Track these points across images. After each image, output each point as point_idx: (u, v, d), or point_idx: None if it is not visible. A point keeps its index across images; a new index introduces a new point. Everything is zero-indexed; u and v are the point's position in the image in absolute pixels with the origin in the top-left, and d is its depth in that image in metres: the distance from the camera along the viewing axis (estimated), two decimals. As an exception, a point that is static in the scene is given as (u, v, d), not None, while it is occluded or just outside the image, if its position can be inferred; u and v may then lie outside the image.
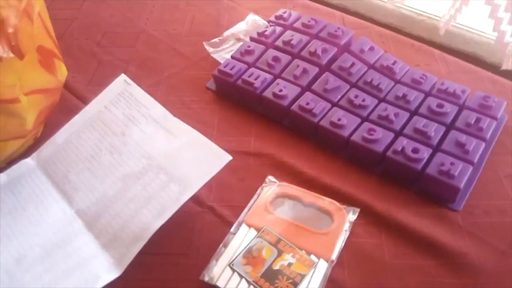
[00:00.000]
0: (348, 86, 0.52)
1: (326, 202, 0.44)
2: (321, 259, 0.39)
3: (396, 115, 0.48)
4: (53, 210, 0.43)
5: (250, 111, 0.54)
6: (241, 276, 0.38)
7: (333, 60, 0.55)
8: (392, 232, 0.41)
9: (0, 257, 0.40)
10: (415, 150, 0.44)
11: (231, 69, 0.54)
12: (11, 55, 0.42)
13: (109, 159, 0.46)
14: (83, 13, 0.70)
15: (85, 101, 0.53)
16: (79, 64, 0.61)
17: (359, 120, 0.48)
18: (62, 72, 0.51)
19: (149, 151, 0.45)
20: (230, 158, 0.41)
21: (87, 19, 0.69)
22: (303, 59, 0.55)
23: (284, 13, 0.62)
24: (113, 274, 0.38)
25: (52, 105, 0.51)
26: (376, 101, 0.50)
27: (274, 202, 0.45)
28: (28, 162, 0.48)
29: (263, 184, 0.46)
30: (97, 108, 0.50)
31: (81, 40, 0.65)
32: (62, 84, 0.52)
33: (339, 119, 0.48)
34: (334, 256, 0.40)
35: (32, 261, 0.39)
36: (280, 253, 0.40)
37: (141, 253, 0.39)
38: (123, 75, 0.51)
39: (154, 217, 0.40)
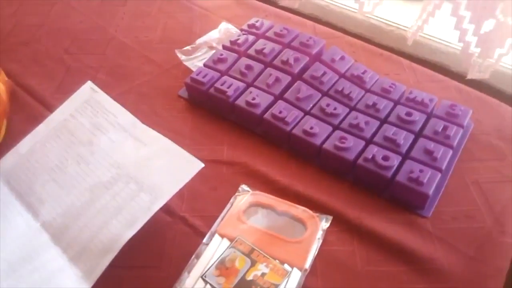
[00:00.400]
0: (320, 95, 0.52)
1: (299, 211, 0.44)
2: (295, 268, 0.39)
3: (366, 123, 0.48)
4: (17, 223, 0.42)
5: (223, 120, 0.53)
6: (214, 288, 0.38)
7: (305, 69, 0.55)
8: (364, 239, 0.41)
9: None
10: (385, 158, 0.45)
11: (203, 77, 0.54)
12: None
13: (76, 169, 0.44)
14: (51, 19, 0.68)
15: (51, 109, 0.52)
16: (46, 71, 0.59)
17: (330, 128, 0.49)
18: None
19: (118, 160, 0.44)
20: (202, 165, 0.41)
21: (55, 24, 0.67)
22: (276, 67, 0.55)
23: (257, 22, 0.62)
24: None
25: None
26: (347, 110, 0.51)
27: (247, 211, 0.44)
28: (-11, 173, 0.46)
29: (236, 193, 0.46)
30: (62, 117, 0.49)
31: (49, 47, 0.63)
32: None
33: (311, 128, 0.48)
34: (308, 264, 0.39)
35: (-5, 277, 0.37)
36: (253, 263, 0.39)
37: (111, 266, 0.38)
38: (89, 82, 0.50)
39: (124, 228, 0.39)
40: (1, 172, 0.46)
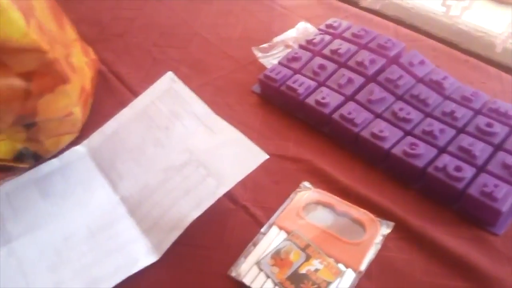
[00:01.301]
0: (393, 98, 0.51)
1: (360, 213, 0.44)
2: (349, 269, 0.39)
3: (441, 131, 0.46)
4: (99, 195, 0.46)
5: (292, 117, 0.54)
6: (268, 276, 0.39)
7: (380, 71, 0.54)
8: (425, 249, 0.40)
9: (50, 234, 0.43)
10: (457, 169, 0.43)
11: (276, 75, 0.55)
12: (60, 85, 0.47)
13: (153, 151, 0.48)
14: (144, 14, 0.74)
15: (137, 95, 0.56)
16: (135, 61, 0.65)
17: (401, 133, 0.48)
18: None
19: (190, 146, 0.47)
20: (267, 156, 0.42)
21: (146, 19, 0.73)
22: (349, 68, 0.55)
23: (335, 22, 0.62)
24: (151, 259, 0.40)
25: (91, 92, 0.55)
26: (421, 116, 0.49)
27: (306, 207, 0.45)
28: (79, 149, 0.52)
29: (297, 189, 0.46)
30: (144, 103, 0.53)
31: (139, 39, 0.69)
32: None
33: (380, 131, 0.47)
34: (363, 267, 0.39)
35: (78, 240, 0.42)
36: (308, 258, 0.40)
37: (175, 242, 0.41)
38: (170, 72, 0.54)
39: (191, 208, 0.42)
40: (89, 148, 0.51)
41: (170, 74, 0.54)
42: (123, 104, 0.55)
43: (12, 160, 0.47)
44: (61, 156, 0.50)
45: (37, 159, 0.49)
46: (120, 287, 0.39)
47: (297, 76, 0.55)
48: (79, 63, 0.53)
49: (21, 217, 0.45)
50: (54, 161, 0.50)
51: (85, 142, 0.52)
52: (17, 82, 0.43)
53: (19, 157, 0.48)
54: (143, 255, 0.41)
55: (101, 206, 0.45)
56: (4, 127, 0.44)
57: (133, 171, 0.48)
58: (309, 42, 0.59)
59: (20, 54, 0.42)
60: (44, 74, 0.45)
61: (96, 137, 0.52)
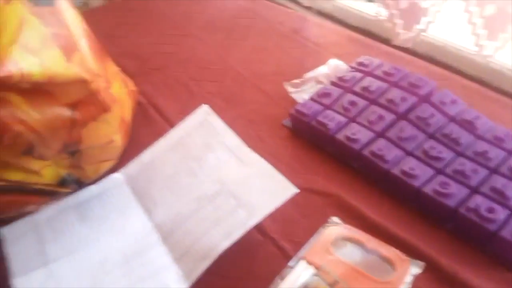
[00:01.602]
0: (424, 137, 0.51)
1: (390, 251, 0.43)
2: (377, 308, 0.39)
3: (473, 171, 0.46)
4: (134, 221, 0.48)
5: (322, 151, 0.55)
6: (294, 311, 0.39)
7: (411, 109, 0.55)
8: (457, 291, 0.39)
9: (86, 258, 0.45)
10: (490, 210, 0.42)
11: (307, 109, 0.57)
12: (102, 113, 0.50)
13: (186, 181, 0.50)
14: (182, 49, 0.78)
15: (173, 126, 0.59)
16: (173, 93, 0.68)
17: (432, 172, 0.48)
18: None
19: (222, 177, 0.49)
20: (297, 190, 0.43)
21: (185, 54, 0.77)
22: (380, 105, 0.56)
23: (366, 60, 0.63)
24: (181, 287, 0.41)
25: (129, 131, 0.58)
26: (453, 155, 0.49)
27: (335, 243, 0.45)
28: (117, 176, 0.54)
29: (326, 224, 0.47)
30: (180, 134, 0.55)
31: (178, 73, 0.72)
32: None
33: (411, 168, 0.48)
34: (391, 306, 0.39)
35: (113, 265, 0.44)
36: (335, 295, 0.40)
37: (204, 271, 0.42)
38: (205, 105, 0.56)
39: (221, 238, 0.43)
40: (126, 176, 0.54)
41: (205, 107, 0.56)
42: (160, 134, 0.57)
43: (56, 185, 0.50)
44: (99, 183, 0.53)
45: (79, 184, 0.52)
46: (150, 314, 0.40)
47: (328, 111, 0.56)
48: (119, 94, 0.57)
49: (60, 240, 0.47)
50: (93, 188, 0.53)
51: (123, 170, 0.54)
52: (65, 112, 0.46)
53: (62, 182, 0.51)
54: (174, 283, 0.42)
55: (136, 232, 0.47)
56: (52, 154, 0.48)
57: (167, 199, 0.49)
58: (340, 79, 0.61)
59: (65, 86, 0.46)
60: (88, 103, 0.48)
61: (134, 166, 0.54)
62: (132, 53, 0.78)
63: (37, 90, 0.44)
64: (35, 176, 0.48)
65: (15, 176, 0.47)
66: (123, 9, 0.94)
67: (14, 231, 0.48)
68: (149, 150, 0.55)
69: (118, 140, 0.54)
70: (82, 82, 0.47)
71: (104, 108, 0.50)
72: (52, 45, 0.45)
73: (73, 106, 0.47)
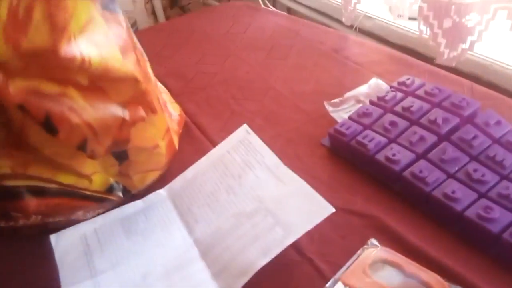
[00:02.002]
0: (467, 159, 0.50)
1: (430, 276, 0.42)
2: (416, 334, 0.38)
3: (519, 195, 0.45)
4: (176, 236, 0.50)
5: (361, 172, 0.55)
6: (330, 332, 0.39)
7: (454, 130, 0.54)
8: (500, 322, 0.38)
9: (130, 271, 0.47)
10: (538, 237, 0.40)
11: (347, 129, 0.57)
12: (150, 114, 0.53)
13: (226, 198, 0.52)
14: (225, 69, 0.81)
15: (215, 145, 0.61)
16: (215, 112, 0.70)
17: (476, 195, 0.46)
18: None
19: (260, 195, 0.50)
20: (333, 210, 0.44)
21: (227, 74, 0.80)
22: (422, 126, 0.55)
23: (408, 79, 0.63)
24: (219, 302, 0.43)
25: (173, 142, 0.60)
26: (497, 178, 0.47)
27: (373, 266, 0.45)
28: (161, 192, 0.56)
29: (365, 246, 0.46)
30: (220, 152, 0.57)
31: (220, 92, 0.75)
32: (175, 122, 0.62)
33: (453, 192, 0.47)
34: (430, 334, 0.38)
35: (155, 278, 0.46)
36: (372, 318, 0.40)
37: (241, 288, 0.43)
38: (245, 125, 0.58)
39: (259, 256, 0.44)
40: (169, 192, 0.56)
41: (245, 126, 0.58)
42: (202, 152, 0.59)
43: (104, 192, 0.53)
44: (145, 198, 0.56)
45: (125, 193, 0.55)
46: (189, 327, 0.41)
47: (368, 131, 0.56)
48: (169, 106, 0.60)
49: (106, 252, 0.50)
50: (139, 203, 0.55)
51: (167, 186, 0.57)
52: (117, 110, 0.49)
53: (110, 190, 0.54)
54: (212, 299, 0.43)
55: (177, 247, 0.49)
56: (102, 151, 0.50)
57: (207, 216, 0.51)
58: (380, 98, 0.61)
59: (119, 82, 0.49)
60: (137, 103, 0.51)
61: (177, 182, 0.57)
62: (177, 73, 0.82)
63: (93, 87, 0.47)
64: (85, 181, 0.51)
65: (67, 180, 0.50)
66: (169, 30, 0.99)
67: (62, 239, 0.51)
68: (192, 167, 0.57)
69: (163, 147, 0.56)
70: (134, 81, 0.50)
71: (151, 109, 0.53)
72: (112, 44, 0.48)
73: (124, 104, 0.50)
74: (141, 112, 0.52)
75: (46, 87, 0.44)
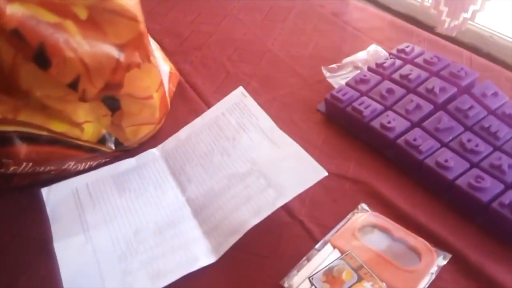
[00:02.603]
0: (462, 129, 0.50)
1: (417, 241, 0.43)
2: (400, 295, 0.39)
3: (510, 166, 0.45)
4: (168, 195, 0.50)
5: (355, 138, 0.55)
6: (318, 291, 0.40)
7: (450, 100, 0.54)
8: (483, 286, 0.39)
9: (122, 227, 0.48)
10: (526, 207, 0.41)
11: (343, 95, 0.57)
12: (146, 62, 0.51)
13: (219, 159, 0.52)
14: (221, 29, 0.79)
15: (209, 105, 0.61)
16: (210, 73, 0.69)
17: (468, 165, 0.47)
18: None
19: (254, 157, 0.50)
20: (326, 173, 0.44)
21: (223, 34, 0.78)
22: (418, 94, 0.55)
23: (407, 47, 0.62)
24: (210, 259, 0.43)
25: (166, 97, 0.59)
26: (490, 149, 0.48)
27: (363, 229, 0.46)
28: (154, 152, 0.56)
29: (355, 210, 0.47)
30: (215, 114, 0.57)
31: (215, 53, 0.73)
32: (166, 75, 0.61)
33: (446, 160, 0.47)
34: (415, 295, 0.39)
35: (147, 235, 0.46)
36: (359, 279, 0.41)
37: (232, 247, 0.43)
38: (241, 87, 0.57)
39: (250, 216, 0.44)
40: (163, 152, 0.56)
41: (240, 89, 0.57)
42: (196, 112, 0.59)
43: (96, 142, 0.53)
44: (138, 157, 0.55)
45: (118, 145, 0.54)
46: (179, 283, 0.42)
47: (364, 98, 0.56)
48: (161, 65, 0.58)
49: (98, 208, 0.50)
50: (132, 160, 0.55)
51: (160, 146, 0.56)
52: (113, 51, 0.48)
53: (102, 141, 0.53)
54: (203, 255, 0.44)
55: (169, 205, 0.49)
56: (93, 92, 0.49)
57: (200, 176, 0.51)
58: (379, 65, 0.60)
59: (117, 19, 0.47)
60: (134, 47, 0.50)
61: (171, 142, 0.56)
62: (171, 31, 0.80)
63: (91, 22, 0.46)
64: (77, 130, 0.50)
65: (59, 128, 0.49)
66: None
67: (54, 193, 0.51)
68: (186, 128, 0.57)
69: (156, 99, 0.55)
70: (134, 20, 0.48)
71: (147, 57, 0.52)
72: None
73: (121, 47, 0.48)
74: (137, 57, 0.50)
75: (44, 16, 0.43)
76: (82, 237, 0.47)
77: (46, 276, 0.43)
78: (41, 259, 0.45)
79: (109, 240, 0.47)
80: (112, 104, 0.51)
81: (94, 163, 0.54)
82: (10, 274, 0.45)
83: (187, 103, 0.64)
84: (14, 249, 0.47)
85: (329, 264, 0.42)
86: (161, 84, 0.56)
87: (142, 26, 0.50)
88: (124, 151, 0.56)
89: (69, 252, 0.45)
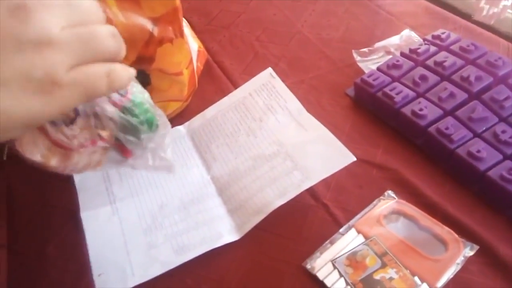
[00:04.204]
0: (496, 119, 0.49)
1: (444, 231, 0.43)
2: (425, 283, 0.39)
3: (547, 160, 0.43)
4: (194, 172, 0.51)
5: (384, 124, 0.54)
6: (341, 275, 0.40)
7: (486, 89, 0.52)
8: (510, 280, 0.38)
9: (148, 201, 0.48)
10: (561, 202, 0.40)
11: (374, 80, 0.55)
12: (178, 37, 0.51)
13: (245, 139, 0.51)
14: (250, 9, 0.78)
15: (236, 85, 0.60)
16: (238, 53, 0.69)
17: (501, 156, 0.45)
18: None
19: (280, 139, 0.49)
20: (354, 159, 0.43)
21: (252, 14, 0.77)
22: (453, 82, 0.53)
23: (443, 33, 0.60)
24: (233, 237, 0.44)
25: (195, 75, 0.59)
26: (526, 141, 0.46)
27: (388, 216, 0.45)
28: (180, 129, 0.56)
29: (381, 197, 0.47)
30: (242, 94, 0.56)
31: (244, 33, 0.73)
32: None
33: (478, 151, 0.46)
34: (440, 284, 0.38)
35: (172, 210, 0.47)
36: (383, 266, 0.40)
37: (256, 227, 0.44)
38: (269, 68, 0.56)
39: (275, 197, 0.44)
40: (189, 129, 0.56)
41: (269, 70, 0.57)
42: (223, 92, 0.59)
43: None
44: (164, 133, 0.55)
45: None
46: (202, 258, 0.43)
47: (396, 84, 0.55)
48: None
49: (125, 182, 0.50)
50: (158, 136, 0.55)
51: (187, 123, 0.57)
52: (147, 24, 0.48)
53: None
54: (226, 233, 0.44)
55: (194, 182, 0.50)
56: (126, 64, 0.49)
57: (225, 155, 0.51)
58: (412, 51, 0.58)
59: None
60: (168, 22, 0.50)
61: (197, 120, 0.56)
62: (200, 9, 0.79)
63: None
64: None
65: None
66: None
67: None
68: (213, 107, 0.57)
69: (186, 76, 0.55)
70: None
71: (180, 33, 0.52)
72: None
73: (155, 21, 0.48)
74: (170, 32, 0.50)
75: None
76: (108, 208, 0.48)
77: (73, 245, 0.45)
78: (69, 228, 0.47)
79: (135, 213, 0.47)
80: (143, 78, 0.51)
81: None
82: (39, 242, 0.46)
83: (214, 83, 0.64)
84: (43, 218, 0.49)
85: (353, 249, 0.42)
86: (191, 61, 0.56)
87: (178, 1, 0.50)
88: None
89: (96, 222, 0.46)
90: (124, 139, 0.37)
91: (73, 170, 0.36)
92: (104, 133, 0.35)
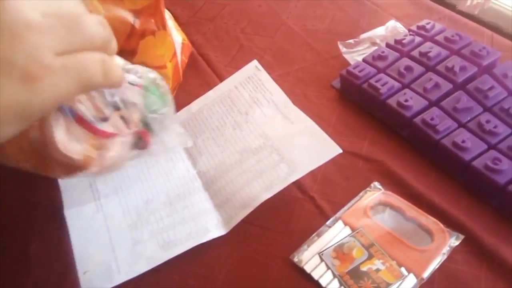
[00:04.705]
0: (481, 109, 0.49)
1: (429, 221, 0.43)
2: (411, 274, 0.39)
3: (530, 149, 0.44)
4: (180, 167, 0.50)
5: (370, 116, 0.54)
6: (328, 267, 0.40)
7: (470, 79, 0.52)
8: (495, 268, 0.39)
9: (133, 197, 0.48)
10: (544, 191, 0.40)
11: (359, 71, 0.55)
12: (161, 30, 0.50)
13: (231, 133, 0.51)
14: (235, 1, 0.77)
15: (221, 79, 0.60)
16: (223, 45, 0.68)
17: (485, 146, 0.46)
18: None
19: (267, 132, 0.49)
20: (340, 150, 0.43)
21: (237, 6, 0.76)
22: (438, 73, 0.53)
23: (428, 24, 0.60)
24: (220, 231, 0.43)
25: (179, 68, 0.58)
26: (509, 131, 0.46)
27: (375, 208, 0.45)
28: (166, 122, 0.56)
29: (368, 188, 0.47)
30: (228, 87, 0.56)
31: (229, 25, 0.72)
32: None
33: (463, 141, 0.46)
34: (426, 274, 0.39)
35: (157, 205, 0.46)
36: (370, 257, 0.40)
37: (243, 221, 0.43)
38: (255, 61, 0.56)
39: (262, 190, 0.44)
40: (174, 123, 0.55)
41: (255, 62, 0.56)
42: (208, 85, 0.58)
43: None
44: (149, 127, 0.55)
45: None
46: (189, 254, 0.42)
47: (381, 75, 0.55)
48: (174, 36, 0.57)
49: (109, 178, 0.50)
50: (142, 131, 0.54)
51: (171, 117, 0.56)
52: (128, 16, 0.47)
53: None
54: (213, 227, 0.44)
55: (180, 177, 0.49)
56: None
57: (211, 149, 0.51)
58: (397, 41, 0.58)
59: None
60: (150, 14, 0.49)
61: (182, 115, 0.55)
62: (184, 1, 0.78)
63: None
64: None
65: None
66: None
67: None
68: (198, 100, 0.56)
69: (170, 69, 0.54)
70: None
71: (163, 25, 0.51)
72: None
73: (137, 13, 0.48)
74: (152, 24, 0.49)
75: None
76: (92, 205, 0.47)
77: (57, 242, 0.44)
78: (52, 226, 0.46)
79: (119, 209, 0.47)
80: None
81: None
82: (22, 240, 0.45)
83: (199, 76, 0.63)
84: (26, 215, 0.48)
85: (339, 241, 0.42)
86: (175, 54, 0.55)
87: None
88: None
89: (79, 219, 0.45)
90: (150, 119, 0.38)
91: (105, 168, 0.35)
92: (135, 116, 0.36)
